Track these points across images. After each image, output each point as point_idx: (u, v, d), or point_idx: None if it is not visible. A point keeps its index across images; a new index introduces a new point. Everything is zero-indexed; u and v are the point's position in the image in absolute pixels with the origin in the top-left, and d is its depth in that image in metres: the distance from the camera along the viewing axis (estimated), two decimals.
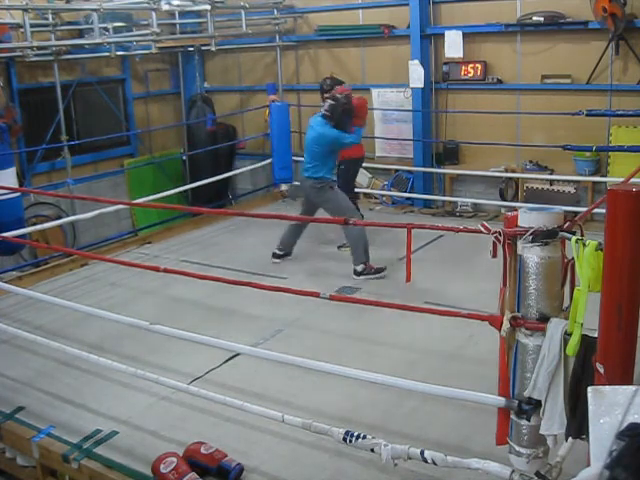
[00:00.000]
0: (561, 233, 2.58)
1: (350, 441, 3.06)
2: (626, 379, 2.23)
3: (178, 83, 10.87)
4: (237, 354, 4.61)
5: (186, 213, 9.10)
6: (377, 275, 6.31)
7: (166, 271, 4.06)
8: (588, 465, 1.54)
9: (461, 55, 8.38)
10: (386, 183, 9.24)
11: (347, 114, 6.39)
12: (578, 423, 2.50)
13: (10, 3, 8.13)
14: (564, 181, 8.02)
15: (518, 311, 2.71)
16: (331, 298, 3.45)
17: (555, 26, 7.77)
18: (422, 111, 8.67)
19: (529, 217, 2.62)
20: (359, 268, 6.30)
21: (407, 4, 8.57)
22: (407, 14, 8.63)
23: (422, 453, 2.91)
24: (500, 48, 8.34)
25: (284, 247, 6.88)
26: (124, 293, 6.23)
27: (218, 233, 8.20)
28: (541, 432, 2.68)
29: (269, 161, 9.22)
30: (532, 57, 8.14)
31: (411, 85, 8.62)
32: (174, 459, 3.47)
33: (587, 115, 7.35)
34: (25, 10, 7.52)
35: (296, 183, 9.47)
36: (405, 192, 9.11)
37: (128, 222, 9.87)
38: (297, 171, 9.56)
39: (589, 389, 1.68)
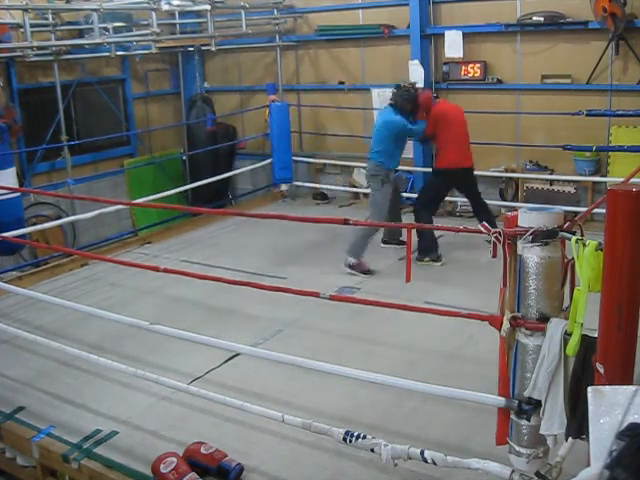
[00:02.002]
0: (561, 233, 2.58)
1: (350, 441, 3.06)
2: (626, 379, 2.23)
3: (178, 83, 10.87)
4: (237, 354, 4.61)
5: (186, 213, 9.10)
6: (362, 275, 6.44)
7: (166, 271, 4.06)
8: (588, 465, 1.54)
9: (461, 55, 8.38)
10: None
11: (410, 102, 6.55)
12: (578, 423, 2.50)
13: (10, 3, 8.13)
14: (564, 181, 8.02)
15: (518, 311, 2.71)
16: (331, 298, 3.45)
17: (555, 26, 7.77)
18: None
19: (529, 217, 2.62)
20: (351, 261, 6.48)
21: (407, 4, 8.57)
22: (407, 14, 8.63)
23: (422, 453, 2.91)
24: (500, 48, 8.34)
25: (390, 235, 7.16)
26: (124, 293, 6.23)
27: (218, 233, 8.20)
28: (541, 432, 2.69)
29: (269, 161, 9.22)
30: (532, 57, 8.14)
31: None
32: (174, 459, 3.47)
33: (587, 115, 7.36)
34: (25, 10, 7.52)
35: (296, 183, 9.52)
36: (405, 192, 9.10)
37: (128, 222, 9.87)
38: (297, 171, 9.60)
39: (589, 389, 1.67)
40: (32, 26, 7.77)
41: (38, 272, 6.95)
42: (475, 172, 8.41)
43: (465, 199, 8.56)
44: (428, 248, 6.65)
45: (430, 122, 6.66)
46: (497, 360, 2.88)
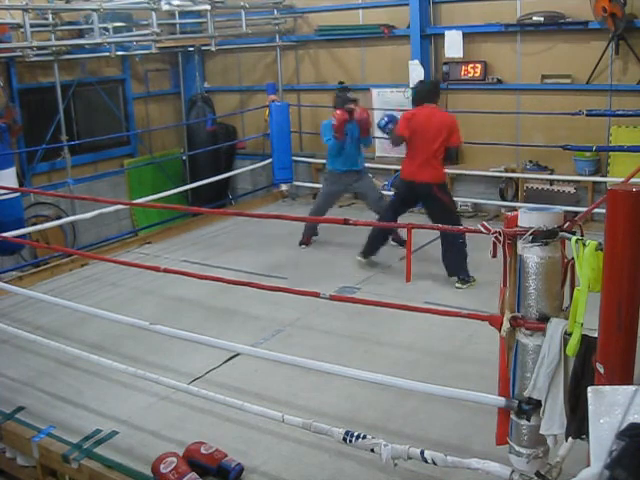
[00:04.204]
0: (561, 233, 2.58)
1: (350, 441, 3.06)
2: (626, 379, 2.23)
3: (178, 83, 10.88)
4: (237, 354, 4.61)
5: (186, 213, 9.10)
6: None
7: (166, 271, 4.05)
8: (588, 465, 1.54)
9: (461, 55, 8.38)
10: (386, 183, 9.22)
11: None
12: (578, 423, 2.50)
13: (10, 3, 8.13)
14: (564, 181, 8.02)
15: (518, 311, 2.71)
16: (331, 298, 3.45)
17: (555, 26, 7.77)
18: None
19: (529, 217, 2.62)
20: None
21: (407, 4, 8.57)
22: (407, 14, 8.63)
23: (422, 453, 2.91)
24: (500, 48, 8.34)
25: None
26: (124, 293, 6.23)
27: (218, 233, 8.20)
28: (541, 432, 2.68)
29: (269, 161, 9.23)
30: (532, 57, 8.15)
31: (411, 85, 8.61)
32: (174, 459, 3.47)
33: (587, 115, 7.36)
34: (25, 10, 7.52)
35: (296, 183, 9.52)
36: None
37: (128, 222, 9.88)
38: (297, 171, 9.60)
39: (589, 389, 1.67)
40: (32, 26, 7.77)
41: (38, 272, 6.94)
42: (475, 172, 8.46)
43: (463, 199, 8.62)
44: (368, 250, 6.57)
45: (402, 122, 6.29)
46: (497, 360, 2.87)
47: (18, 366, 4.82)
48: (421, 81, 6.88)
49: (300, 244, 7.41)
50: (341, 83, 9.56)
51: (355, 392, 4.14)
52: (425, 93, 6.29)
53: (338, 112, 6.90)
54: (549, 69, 8.03)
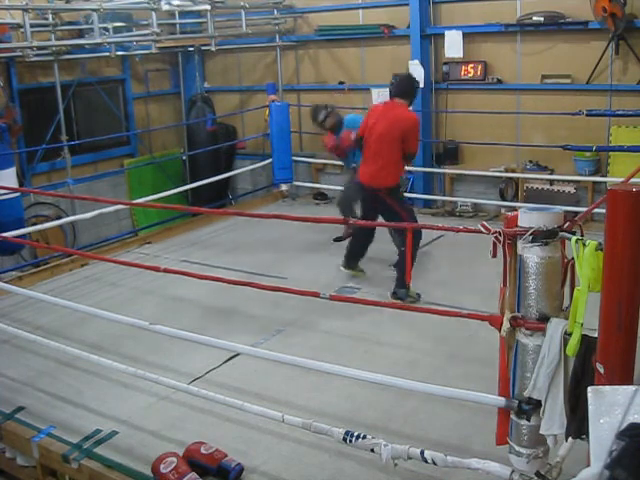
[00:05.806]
0: (561, 233, 2.58)
1: (350, 441, 3.06)
2: (626, 379, 2.23)
3: (178, 83, 10.88)
4: (237, 354, 4.61)
5: (186, 213, 9.10)
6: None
7: (166, 271, 4.05)
8: (588, 465, 1.54)
9: (461, 55, 8.38)
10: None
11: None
12: (578, 423, 2.50)
13: (10, 3, 8.13)
14: (564, 181, 8.02)
15: (518, 311, 2.71)
16: (331, 298, 3.45)
17: (555, 26, 7.77)
18: (422, 111, 8.66)
19: (529, 217, 2.62)
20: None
21: (407, 4, 8.57)
22: (407, 14, 8.63)
23: (422, 453, 2.91)
24: (500, 48, 8.34)
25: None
26: (124, 293, 6.23)
27: (218, 233, 8.20)
28: (541, 432, 2.68)
29: (269, 161, 9.23)
30: (532, 57, 8.15)
31: None
32: (174, 459, 3.47)
33: (587, 115, 7.36)
34: (25, 10, 7.52)
35: (296, 183, 9.52)
36: (405, 192, 9.09)
37: (128, 222, 9.88)
38: (297, 171, 9.60)
39: (589, 389, 1.67)
40: (32, 26, 7.77)
41: (38, 272, 6.94)
42: (475, 172, 8.47)
43: (463, 199, 8.63)
44: (351, 258, 6.28)
45: (363, 122, 5.98)
46: (497, 360, 2.87)
47: (18, 366, 4.82)
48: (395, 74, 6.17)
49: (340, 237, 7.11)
50: (341, 83, 9.60)
51: (355, 392, 4.14)
52: (395, 87, 5.83)
53: (325, 139, 7.14)
54: (549, 69, 8.03)
